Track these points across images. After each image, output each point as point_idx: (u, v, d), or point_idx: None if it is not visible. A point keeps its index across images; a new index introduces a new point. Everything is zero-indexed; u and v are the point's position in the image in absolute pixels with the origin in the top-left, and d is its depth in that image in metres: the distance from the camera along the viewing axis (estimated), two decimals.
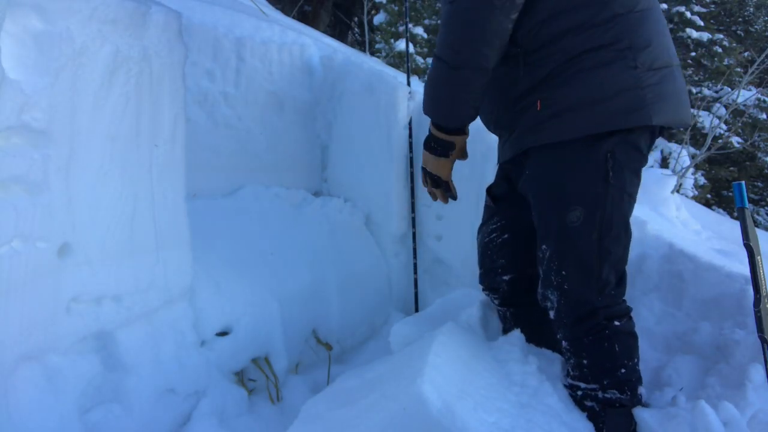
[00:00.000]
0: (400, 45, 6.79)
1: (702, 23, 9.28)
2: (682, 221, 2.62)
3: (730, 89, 8.31)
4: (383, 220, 2.93)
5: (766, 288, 1.56)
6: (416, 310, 2.84)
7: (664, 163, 7.05)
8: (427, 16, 7.55)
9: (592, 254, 1.46)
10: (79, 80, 1.47)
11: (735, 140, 8.72)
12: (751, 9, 10.66)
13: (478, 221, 1.87)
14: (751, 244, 1.57)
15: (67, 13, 1.41)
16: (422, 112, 1.60)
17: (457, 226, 2.70)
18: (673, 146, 7.46)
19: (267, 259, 2.38)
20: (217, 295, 2.02)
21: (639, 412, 1.49)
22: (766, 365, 1.52)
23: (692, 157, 6.75)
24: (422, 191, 2.90)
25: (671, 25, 8.37)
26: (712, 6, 9.94)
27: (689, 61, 8.94)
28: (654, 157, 7.49)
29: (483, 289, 1.88)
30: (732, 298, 1.85)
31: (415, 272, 2.91)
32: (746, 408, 1.53)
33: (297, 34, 2.89)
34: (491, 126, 1.67)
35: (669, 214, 2.58)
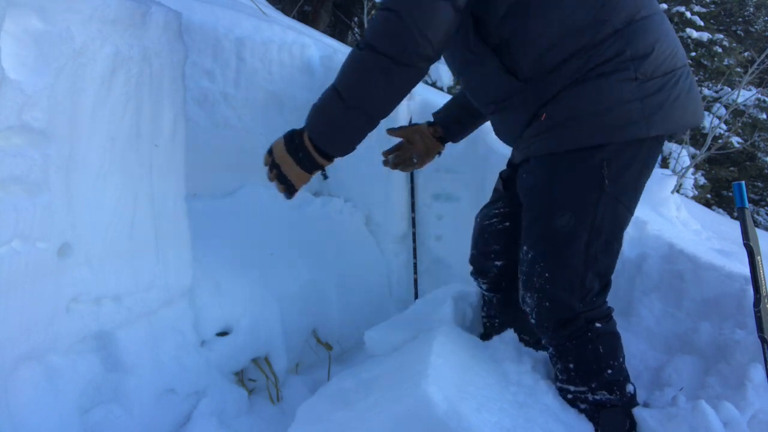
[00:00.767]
0: None
1: (702, 23, 9.29)
2: (682, 221, 2.61)
3: (730, 89, 8.31)
4: (383, 220, 2.93)
5: (766, 288, 1.56)
6: None
7: (664, 163, 7.05)
8: None
9: (578, 260, 1.45)
10: (79, 80, 1.46)
11: (735, 140, 8.73)
12: (751, 9, 10.67)
13: None
14: (751, 244, 1.57)
15: (67, 13, 1.41)
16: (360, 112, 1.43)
17: (457, 226, 2.70)
18: (673, 146, 7.46)
19: (267, 259, 2.37)
20: (217, 295, 2.01)
21: (639, 412, 1.50)
22: (766, 365, 1.52)
23: (692, 157, 6.76)
24: (422, 191, 2.90)
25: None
26: (712, 6, 9.95)
27: (689, 61, 8.94)
28: None
29: (471, 272, 1.87)
30: (732, 298, 1.85)
31: (415, 272, 2.91)
32: (746, 408, 1.53)
33: (297, 34, 2.88)
34: (511, 144, 1.68)
35: (669, 214, 2.58)
